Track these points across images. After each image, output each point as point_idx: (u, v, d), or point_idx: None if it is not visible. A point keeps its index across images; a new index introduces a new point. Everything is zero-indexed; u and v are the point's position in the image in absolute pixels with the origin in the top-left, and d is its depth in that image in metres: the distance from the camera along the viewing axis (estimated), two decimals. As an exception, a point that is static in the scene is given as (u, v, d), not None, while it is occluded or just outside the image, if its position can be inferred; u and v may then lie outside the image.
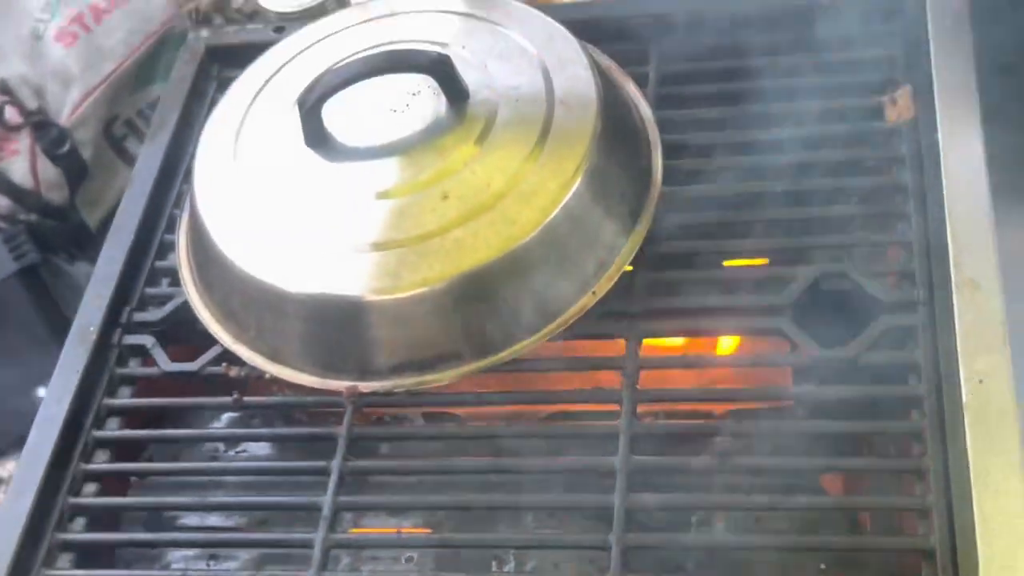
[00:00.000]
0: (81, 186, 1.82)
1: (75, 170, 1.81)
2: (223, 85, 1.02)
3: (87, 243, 1.80)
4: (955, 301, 0.75)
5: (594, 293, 0.81)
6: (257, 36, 1.05)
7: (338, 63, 0.90)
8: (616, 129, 0.85)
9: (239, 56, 1.01)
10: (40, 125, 1.78)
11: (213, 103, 1.00)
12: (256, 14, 1.13)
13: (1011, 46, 0.92)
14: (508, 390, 0.83)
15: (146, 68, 1.92)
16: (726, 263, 0.86)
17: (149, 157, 0.99)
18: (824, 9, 0.93)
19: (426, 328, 0.79)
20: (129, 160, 1.91)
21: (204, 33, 1.07)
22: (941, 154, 0.82)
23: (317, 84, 0.85)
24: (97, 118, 1.85)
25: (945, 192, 0.80)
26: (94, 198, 1.87)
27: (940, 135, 0.83)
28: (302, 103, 0.85)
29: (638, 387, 0.79)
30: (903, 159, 0.84)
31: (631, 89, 0.93)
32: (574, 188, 0.80)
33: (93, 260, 0.95)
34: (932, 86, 0.86)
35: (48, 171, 1.77)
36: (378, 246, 0.80)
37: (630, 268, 0.83)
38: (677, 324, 0.82)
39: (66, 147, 1.79)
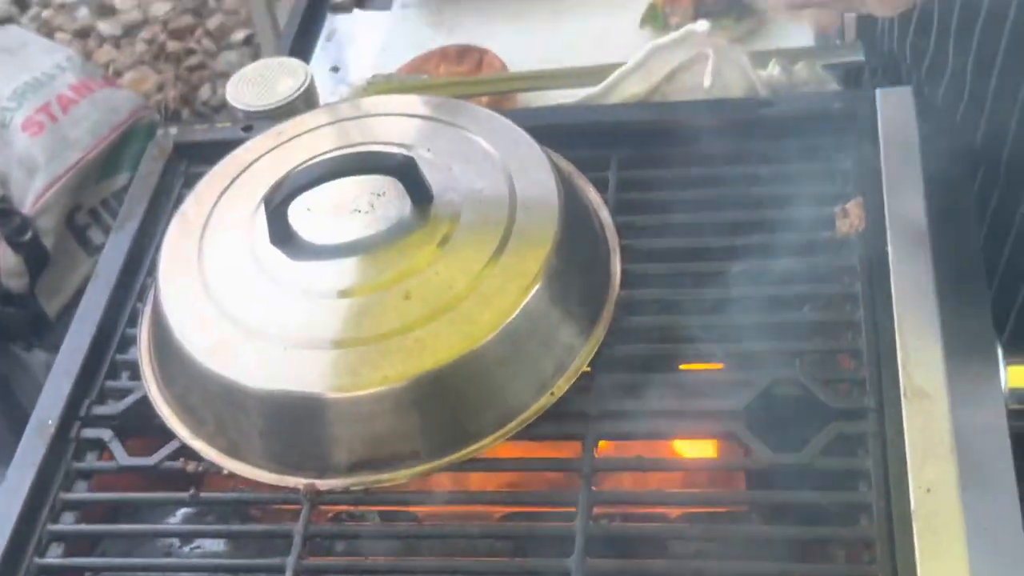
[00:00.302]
0: (41, 274, 1.82)
1: (36, 258, 1.81)
2: (190, 181, 1.03)
3: (45, 332, 1.80)
4: (904, 409, 0.76)
5: (552, 394, 0.82)
6: (225, 134, 1.06)
7: (305, 163, 0.91)
8: (576, 233, 0.87)
9: (207, 153, 1.02)
10: (2, 213, 1.78)
11: (180, 198, 1.02)
12: (224, 107, 1.15)
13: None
14: (465, 490, 0.83)
15: (112, 158, 1.94)
16: (682, 367, 0.87)
17: (114, 249, 1.00)
18: (779, 122, 0.96)
19: (385, 426, 0.80)
20: (91, 250, 1.92)
21: (173, 130, 1.08)
22: (890, 264, 0.84)
23: (284, 183, 0.87)
24: (60, 207, 1.86)
25: (894, 302, 0.82)
26: (54, 287, 1.87)
27: (889, 246, 0.85)
28: (268, 202, 0.87)
29: (594, 489, 0.79)
30: (854, 268, 0.87)
31: (591, 194, 0.95)
32: (534, 291, 0.82)
33: (51, 349, 0.95)
34: (882, 198, 0.89)
35: (8, 258, 1.77)
36: (339, 344, 0.81)
37: (588, 370, 0.84)
38: (633, 426, 0.83)
39: (28, 235, 1.80)
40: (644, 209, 0.95)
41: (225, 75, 2.69)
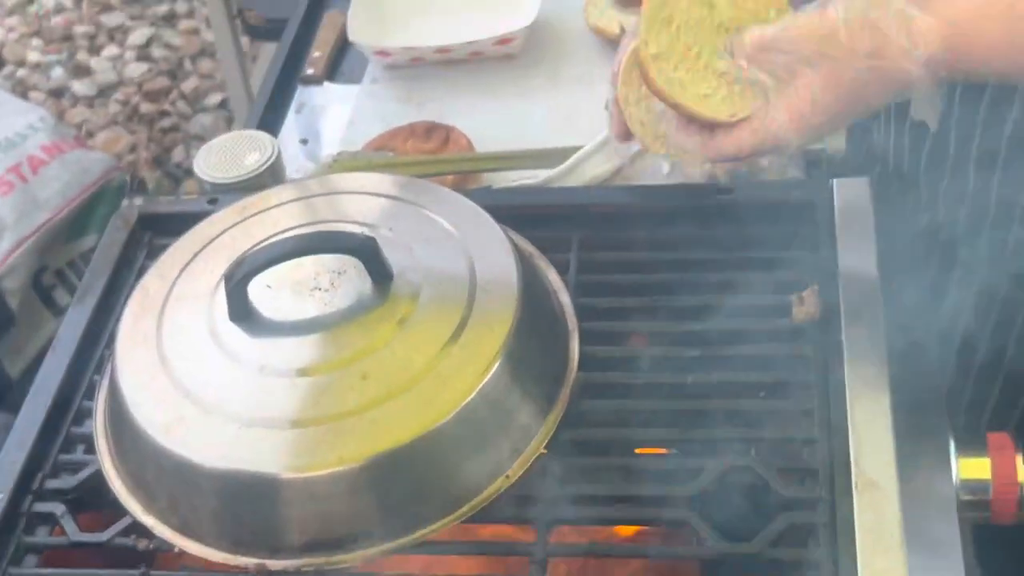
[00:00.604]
0: (5, 335, 1.81)
1: (0, 319, 1.80)
2: (154, 253, 1.03)
3: (6, 392, 1.78)
4: (855, 501, 0.77)
5: (507, 476, 0.82)
6: (190, 206, 1.07)
7: (267, 240, 0.92)
8: (535, 315, 0.88)
9: (171, 225, 1.02)
10: (-33, 274, 1.78)
11: (142, 270, 1.02)
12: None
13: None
14: (417, 572, 0.83)
15: (80, 220, 1.94)
16: (637, 451, 0.88)
17: (73, 323, 0.99)
18: (738, 208, 0.97)
19: (339, 507, 0.80)
20: (56, 311, 1.91)
21: (138, 200, 1.08)
22: (844, 353, 0.85)
23: (244, 261, 0.87)
24: (27, 267, 1.85)
25: (847, 391, 0.83)
26: (18, 347, 1.86)
27: (844, 335, 0.86)
28: (229, 278, 0.87)
29: (547, 575, 0.79)
30: (808, 357, 0.87)
31: (552, 276, 0.96)
32: (492, 372, 0.82)
33: (12, 410, 0.94)
34: (838, 287, 0.90)
35: (-29, 320, 1.76)
36: (296, 423, 0.81)
37: (544, 452, 0.84)
38: (588, 511, 0.83)
39: (-8, 296, 1.79)
40: (604, 292, 0.96)
41: (199, 138, 2.71)
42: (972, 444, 0.83)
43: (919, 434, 0.82)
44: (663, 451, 0.88)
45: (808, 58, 0.81)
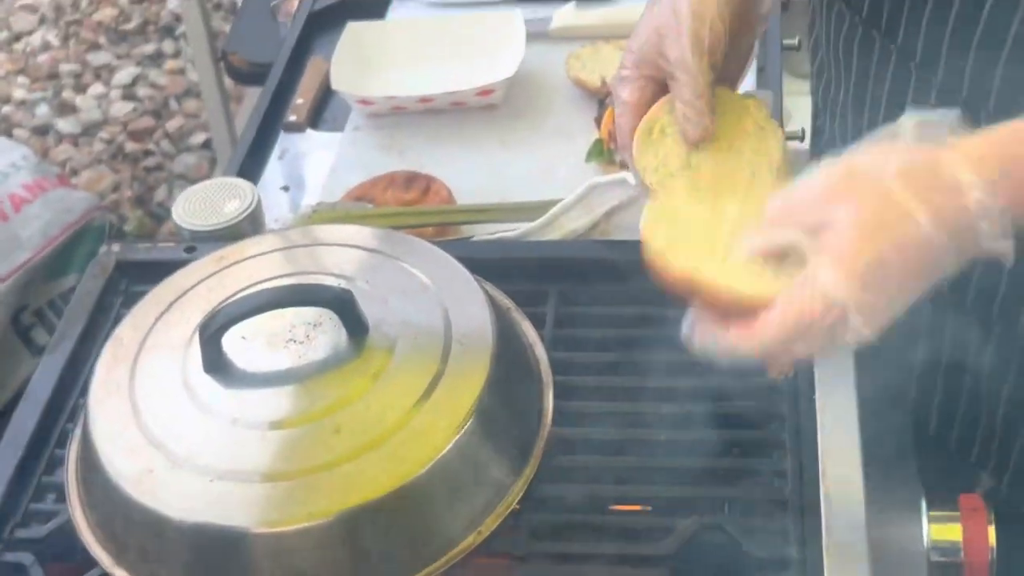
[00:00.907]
0: (-19, 374, 1.80)
1: (-23, 359, 1.79)
2: (130, 300, 1.03)
3: (-18, 432, 1.77)
4: (825, 562, 0.77)
5: (480, 532, 0.82)
6: (167, 254, 1.07)
7: (243, 291, 0.92)
8: (510, 369, 0.88)
9: (149, 273, 1.02)
10: (-54, 314, 1.77)
11: (118, 318, 1.01)
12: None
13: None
14: (388, 629, 0.83)
15: (61, 258, 1.93)
16: (611, 507, 0.87)
17: (48, 368, 0.99)
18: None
19: (310, 563, 0.79)
20: (35, 350, 1.90)
21: (115, 247, 1.08)
22: (817, 413, 0.85)
23: (219, 312, 0.87)
24: (6, 306, 1.84)
25: (820, 451, 0.83)
26: (-5, 386, 1.84)
27: (817, 394, 0.87)
28: (203, 329, 0.87)
29: (518, 633, 0.79)
30: (782, 415, 0.88)
31: (528, 329, 0.96)
32: (466, 428, 0.82)
33: (-16, 448, 0.94)
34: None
35: (-51, 359, 1.75)
36: (267, 477, 0.81)
37: (517, 508, 0.84)
38: (560, 569, 0.83)
39: (-30, 335, 1.78)
40: (580, 346, 0.96)
41: (182, 177, 2.71)
42: (944, 506, 0.83)
43: (891, 495, 0.82)
44: (637, 508, 0.87)
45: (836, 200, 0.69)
